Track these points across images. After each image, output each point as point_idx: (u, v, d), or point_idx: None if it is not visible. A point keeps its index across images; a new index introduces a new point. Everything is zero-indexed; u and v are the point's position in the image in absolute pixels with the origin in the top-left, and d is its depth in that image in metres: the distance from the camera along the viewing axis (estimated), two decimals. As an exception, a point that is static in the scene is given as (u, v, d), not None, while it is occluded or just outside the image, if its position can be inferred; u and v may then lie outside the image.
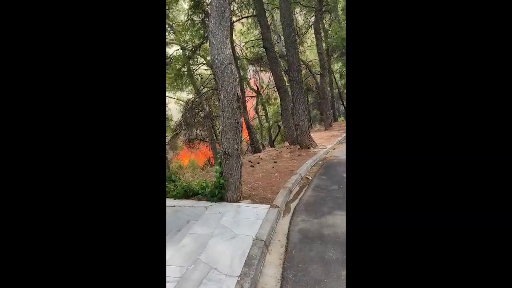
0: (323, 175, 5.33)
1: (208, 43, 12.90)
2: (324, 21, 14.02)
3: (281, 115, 9.69)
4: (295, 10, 15.25)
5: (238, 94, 3.61)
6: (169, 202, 4.04)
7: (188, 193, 4.16)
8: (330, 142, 8.64)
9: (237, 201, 3.92)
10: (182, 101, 16.15)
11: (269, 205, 3.80)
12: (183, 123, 14.51)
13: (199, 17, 11.29)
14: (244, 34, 14.93)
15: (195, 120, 14.62)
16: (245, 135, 17.17)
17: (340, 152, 7.17)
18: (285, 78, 9.67)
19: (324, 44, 13.10)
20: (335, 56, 15.10)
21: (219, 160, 3.87)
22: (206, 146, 16.80)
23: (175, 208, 3.84)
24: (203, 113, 14.04)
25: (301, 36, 14.35)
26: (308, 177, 5.31)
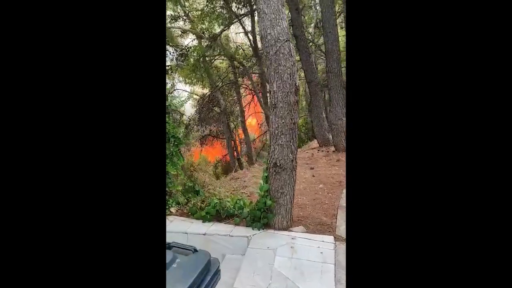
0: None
1: (253, 17, 11.93)
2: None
3: (310, 111, 8.62)
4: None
5: (297, 84, 2.60)
6: (197, 226, 3.07)
7: (221, 214, 3.18)
8: (368, 145, 7.57)
9: (287, 228, 2.93)
10: (197, 94, 15.22)
11: (333, 237, 2.80)
12: (197, 118, 13.59)
13: (219, 4, 10.28)
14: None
15: (210, 116, 13.72)
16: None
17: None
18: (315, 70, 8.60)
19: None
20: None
21: (265, 174, 2.87)
22: (221, 143, 15.86)
23: (206, 236, 2.87)
24: (219, 108, 13.10)
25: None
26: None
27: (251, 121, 16.60)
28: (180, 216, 3.38)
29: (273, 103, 2.65)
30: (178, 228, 2.99)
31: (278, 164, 2.72)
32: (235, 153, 14.35)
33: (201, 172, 6.06)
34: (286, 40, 2.55)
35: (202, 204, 3.33)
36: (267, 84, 12.68)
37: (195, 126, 13.80)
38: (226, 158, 15.04)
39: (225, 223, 3.14)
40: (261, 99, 11.95)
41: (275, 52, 2.55)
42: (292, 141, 2.68)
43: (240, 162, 14.08)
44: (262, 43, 2.64)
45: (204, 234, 2.89)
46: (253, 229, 2.93)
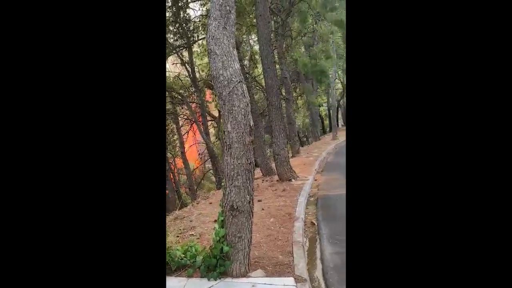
0: (327, 217, 4.45)
1: (191, 48, 11.56)
2: (284, 46, 13.90)
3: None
4: (252, 35, 14.98)
5: (251, 125, 2.58)
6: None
7: (171, 267, 2.85)
8: (308, 172, 7.92)
9: (245, 274, 2.76)
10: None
11: (293, 278, 2.73)
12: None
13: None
14: (199, 55, 14.02)
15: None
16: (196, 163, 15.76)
17: (326, 185, 6.45)
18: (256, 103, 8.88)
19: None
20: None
21: (221, 219, 2.71)
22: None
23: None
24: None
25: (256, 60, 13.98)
26: (313, 221, 4.38)
27: (188, 150, 16.11)
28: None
29: (228, 143, 2.57)
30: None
31: (235, 207, 2.60)
32: (174, 185, 13.58)
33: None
34: (239, 81, 2.55)
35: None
36: (207, 114, 12.60)
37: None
38: (163, 191, 14.08)
39: (176, 276, 2.81)
40: (201, 128, 11.77)
41: (229, 93, 2.52)
42: (248, 181, 2.61)
43: (180, 195, 13.33)
44: (214, 83, 2.59)
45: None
46: (209, 280, 2.68)
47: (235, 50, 2.64)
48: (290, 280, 2.68)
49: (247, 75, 11.93)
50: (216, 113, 13.42)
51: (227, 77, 2.52)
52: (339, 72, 19.77)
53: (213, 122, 13.37)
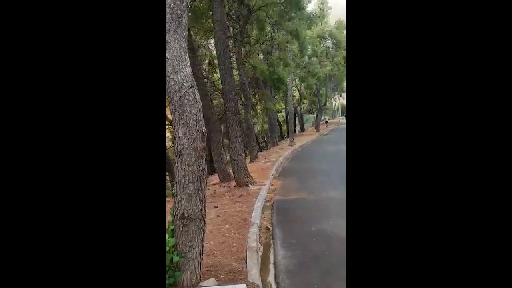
0: (282, 222, 4.54)
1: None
2: (242, 52, 14.04)
3: (209, 147, 8.63)
4: (210, 40, 14.89)
5: (204, 131, 2.55)
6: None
7: (116, 281, 2.67)
8: (265, 177, 8.03)
9: (197, 284, 2.69)
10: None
11: (245, 284, 2.72)
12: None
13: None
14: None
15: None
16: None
17: (283, 190, 6.60)
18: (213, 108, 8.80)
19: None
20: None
21: (171, 228, 2.61)
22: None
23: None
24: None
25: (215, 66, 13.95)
26: (268, 226, 4.43)
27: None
28: None
29: (179, 150, 2.50)
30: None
31: (186, 215, 2.52)
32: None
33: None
34: (191, 87, 2.51)
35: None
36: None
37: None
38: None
39: (122, 290, 2.64)
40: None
41: (179, 98, 2.46)
42: (200, 189, 2.56)
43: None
44: (166, 88, 2.50)
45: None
46: (158, 293, 2.56)
47: (187, 54, 2.59)
48: (242, 287, 2.67)
49: (206, 80, 11.82)
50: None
51: (178, 82, 2.47)
52: (296, 80, 20.49)
53: (169, 126, 12.95)
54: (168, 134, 13.36)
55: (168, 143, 13.12)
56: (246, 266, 3.07)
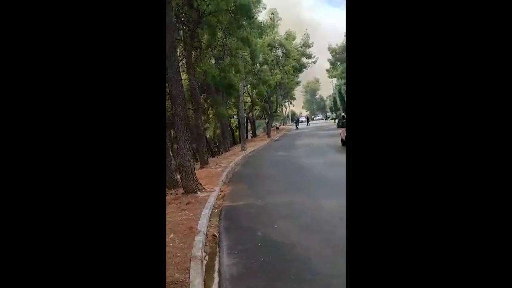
0: (229, 229, 4.52)
1: None
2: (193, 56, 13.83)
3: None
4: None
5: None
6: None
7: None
8: (215, 183, 7.93)
9: (134, 300, 2.52)
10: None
11: (187, 296, 2.63)
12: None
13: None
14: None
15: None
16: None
17: (232, 196, 6.58)
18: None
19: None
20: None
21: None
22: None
23: None
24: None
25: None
26: (214, 233, 4.35)
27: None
28: None
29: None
30: None
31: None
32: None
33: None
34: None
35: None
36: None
37: None
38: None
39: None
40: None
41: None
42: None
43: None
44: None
45: None
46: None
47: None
48: (183, 299, 2.57)
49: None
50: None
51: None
52: (248, 87, 20.78)
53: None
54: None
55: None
56: (189, 277, 2.98)
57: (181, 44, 11.95)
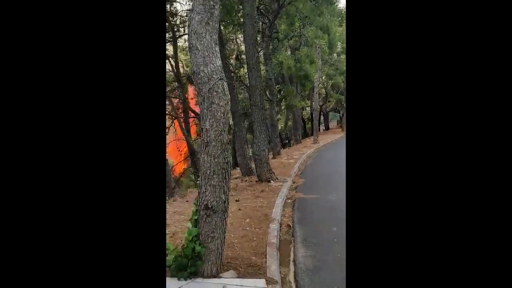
0: (303, 220, 4.48)
1: (176, 43, 11.26)
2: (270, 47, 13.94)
3: (234, 142, 8.70)
4: (239, 34, 14.91)
5: (230, 123, 2.55)
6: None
7: (139, 266, 2.75)
8: (287, 174, 7.97)
9: (217, 275, 2.72)
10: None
11: (264, 280, 2.72)
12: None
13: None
14: (185, 50, 13.80)
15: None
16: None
17: (304, 188, 6.51)
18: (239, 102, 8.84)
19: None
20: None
21: (194, 218, 2.65)
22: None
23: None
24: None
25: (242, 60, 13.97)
26: (289, 223, 4.39)
27: (169, 146, 15.84)
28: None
29: (205, 141, 2.52)
30: None
31: (210, 206, 2.55)
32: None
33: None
34: (220, 79, 2.51)
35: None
36: (189, 111, 12.41)
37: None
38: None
39: (145, 275, 2.72)
40: (183, 125, 11.58)
41: (209, 90, 2.47)
42: (225, 181, 2.57)
43: (157, 192, 13.04)
44: (194, 79, 2.53)
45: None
46: (179, 280, 2.62)
47: (217, 46, 2.59)
48: (261, 282, 2.66)
49: (233, 74, 11.88)
50: (198, 110, 13.25)
51: (207, 74, 2.47)
52: (323, 77, 20.08)
53: (195, 119, 13.20)
54: (192, 127, 13.63)
55: (193, 135, 13.38)
56: (266, 262, 3.06)
57: (259, 36, 12.16)
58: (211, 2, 2.56)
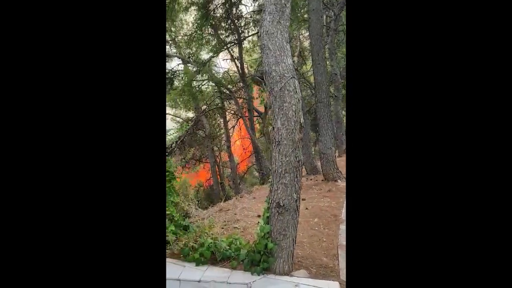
0: (376, 223, 4.20)
1: (241, 44, 11.88)
2: (335, 41, 13.36)
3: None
4: (302, 31, 14.63)
5: (301, 122, 2.52)
6: (191, 270, 2.79)
7: (216, 257, 2.94)
8: (355, 173, 7.57)
9: (288, 273, 2.73)
10: (180, 118, 14.96)
11: (338, 283, 2.63)
12: (180, 141, 13.26)
13: (207, 31, 10.41)
14: (249, 51, 14.14)
15: (194, 139, 13.45)
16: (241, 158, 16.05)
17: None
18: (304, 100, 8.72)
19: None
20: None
21: (266, 215, 2.70)
22: (203, 167, 15.46)
23: (200, 284, 2.60)
24: (203, 132, 12.90)
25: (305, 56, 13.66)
26: (359, 226, 4.17)
27: (234, 144, 16.48)
28: (170, 257, 3.09)
29: (277, 140, 2.54)
30: (170, 273, 2.71)
31: (282, 204, 2.57)
32: (218, 178, 14.04)
33: (183, 197, 5.74)
34: (292, 77, 2.50)
35: (194, 244, 3.07)
36: (253, 110, 12.73)
37: (177, 149, 13.44)
38: (208, 182, 14.66)
39: (220, 266, 2.89)
40: (247, 124, 11.93)
41: (280, 89, 2.48)
42: (296, 179, 2.56)
43: (224, 187, 13.74)
44: (265, 79, 2.57)
45: (198, 281, 2.63)
46: (252, 274, 2.70)
47: (289, 45, 2.59)
48: (335, 285, 2.58)
49: (296, 72, 11.80)
50: (261, 109, 13.50)
51: (279, 73, 2.49)
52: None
53: (258, 118, 13.48)
54: (256, 125, 13.94)
55: (257, 134, 13.69)
56: (338, 264, 2.96)
57: (324, 30, 11.78)
58: (283, 1, 2.56)
